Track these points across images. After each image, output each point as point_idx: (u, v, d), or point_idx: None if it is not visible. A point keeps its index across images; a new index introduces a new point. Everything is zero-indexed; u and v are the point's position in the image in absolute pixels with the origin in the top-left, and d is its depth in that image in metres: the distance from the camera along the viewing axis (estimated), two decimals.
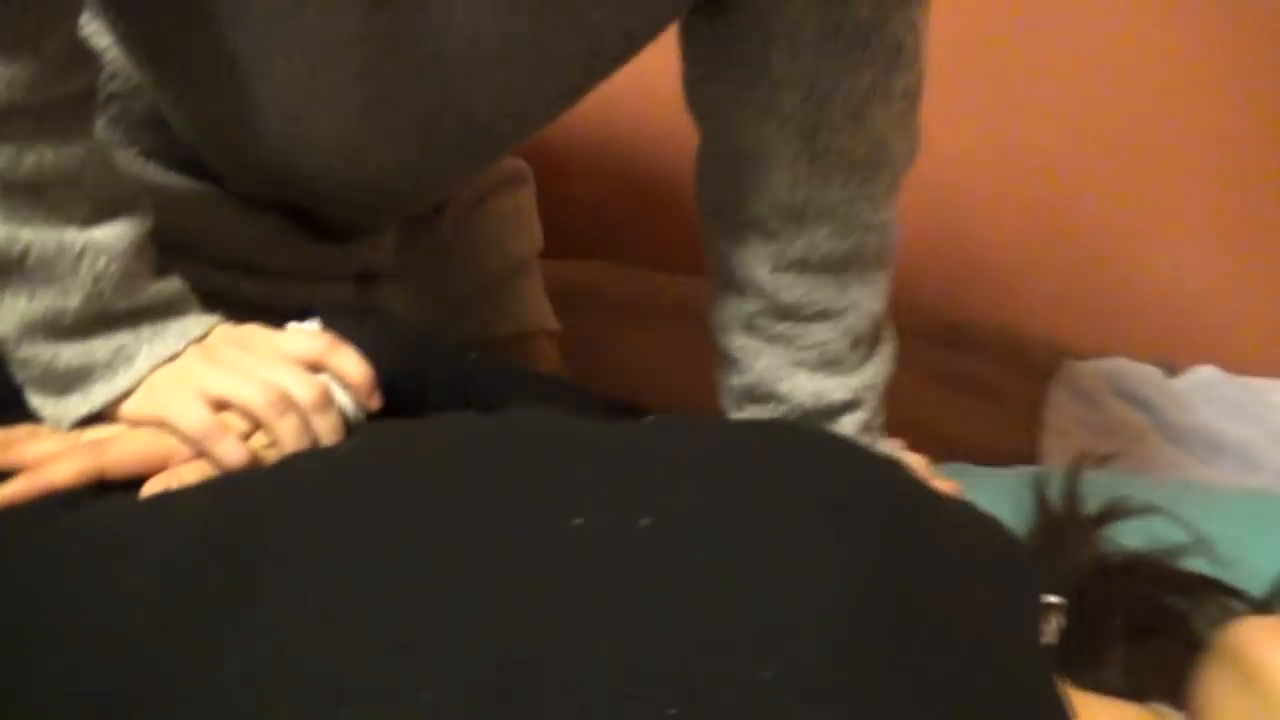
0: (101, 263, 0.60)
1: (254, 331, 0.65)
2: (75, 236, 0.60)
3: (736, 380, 0.79)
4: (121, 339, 0.62)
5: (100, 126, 0.68)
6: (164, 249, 0.67)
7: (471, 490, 0.55)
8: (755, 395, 0.79)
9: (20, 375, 0.63)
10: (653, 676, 0.46)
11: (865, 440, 0.79)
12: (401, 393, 0.68)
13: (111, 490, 0.60)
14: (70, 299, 0.60)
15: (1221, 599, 0.76)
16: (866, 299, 0.76)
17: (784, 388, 0.77)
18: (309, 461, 0.61)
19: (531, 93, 0.72)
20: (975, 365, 1.22)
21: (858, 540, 0.53)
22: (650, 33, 0.71)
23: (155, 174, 0.78)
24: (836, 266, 0.75)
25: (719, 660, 0.47)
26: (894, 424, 0.85)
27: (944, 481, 0.74)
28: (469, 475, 0.56)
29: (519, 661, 0.47)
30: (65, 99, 0.60)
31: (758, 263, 0.75)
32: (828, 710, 0.45)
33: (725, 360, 0.80)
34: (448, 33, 0.65)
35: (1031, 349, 1.30)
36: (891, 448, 0.81)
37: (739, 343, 0.78)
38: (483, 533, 0.52)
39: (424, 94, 0.69)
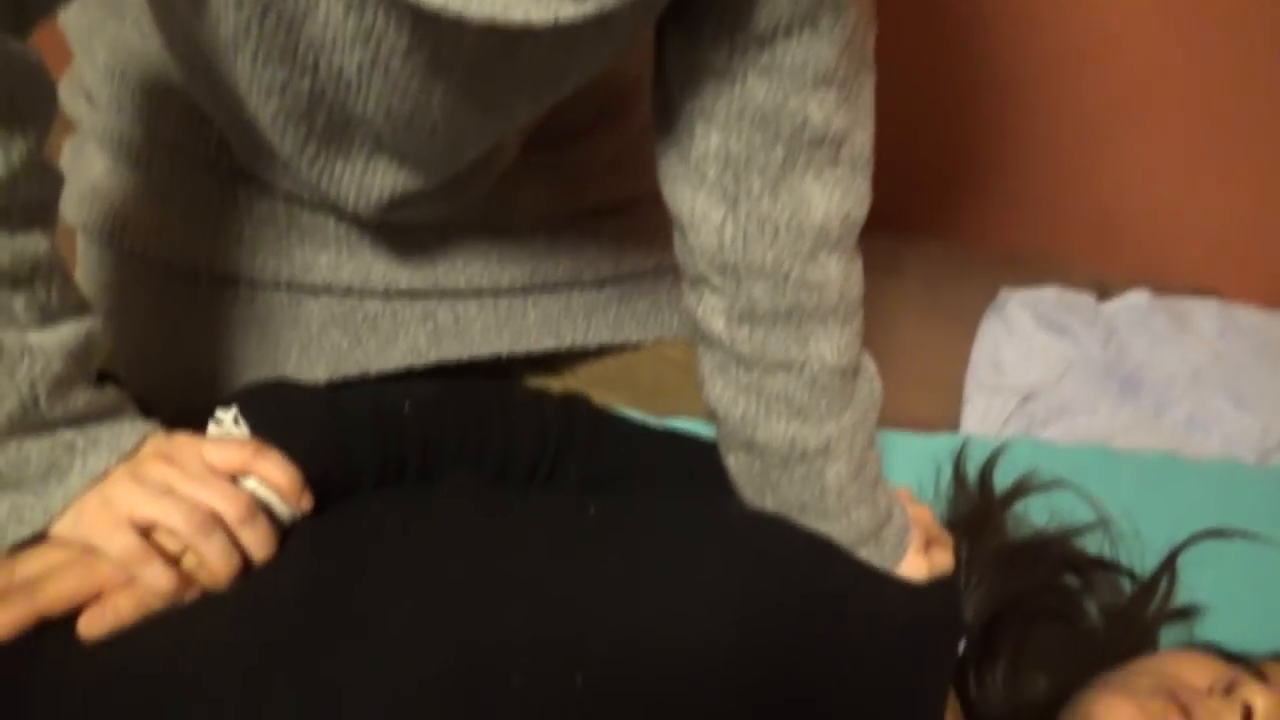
0: (39, 368, 0.60)
1: (182, 444, 0.65)
2: (15, 339, 0.60)
3: (724, 429, 0.81)
4: (56, 453, 0.62)
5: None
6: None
7: (401, 656, 0.59)
8: (741, 443, 0.80)
9: None
10: None
11: (856, 493, 0.78)
12: (337, 474, 0.69)
13: (51, 627, 0.61)
14: (6, 402, 0.60)
15: (1112, 578, 0.84)
16: (824, 351, 0.76)
17: (761, 436, 0.78)
18: (237, 618, 0.62)
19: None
20: (914, 290, 1.23)
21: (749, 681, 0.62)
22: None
23: None
24: (782, 320, 0.76)
25: None
26: None
27: (941, 545, 0.80)
28: (399, 633, 0.60)
29: None
30: (26, 204, 0.60)
31: (714, 315, 0.77)
32: None
33: (713, 410, 0.81)
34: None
35: (973, 267, 1.29)
36: (890, 501, 0.81)
37: (718, 391, 0.80)
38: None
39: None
